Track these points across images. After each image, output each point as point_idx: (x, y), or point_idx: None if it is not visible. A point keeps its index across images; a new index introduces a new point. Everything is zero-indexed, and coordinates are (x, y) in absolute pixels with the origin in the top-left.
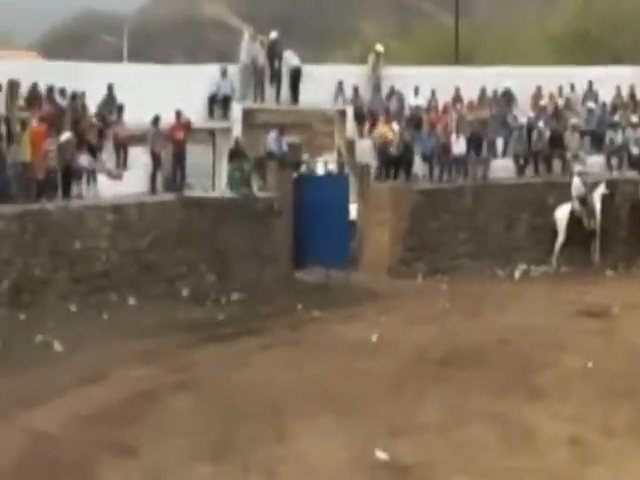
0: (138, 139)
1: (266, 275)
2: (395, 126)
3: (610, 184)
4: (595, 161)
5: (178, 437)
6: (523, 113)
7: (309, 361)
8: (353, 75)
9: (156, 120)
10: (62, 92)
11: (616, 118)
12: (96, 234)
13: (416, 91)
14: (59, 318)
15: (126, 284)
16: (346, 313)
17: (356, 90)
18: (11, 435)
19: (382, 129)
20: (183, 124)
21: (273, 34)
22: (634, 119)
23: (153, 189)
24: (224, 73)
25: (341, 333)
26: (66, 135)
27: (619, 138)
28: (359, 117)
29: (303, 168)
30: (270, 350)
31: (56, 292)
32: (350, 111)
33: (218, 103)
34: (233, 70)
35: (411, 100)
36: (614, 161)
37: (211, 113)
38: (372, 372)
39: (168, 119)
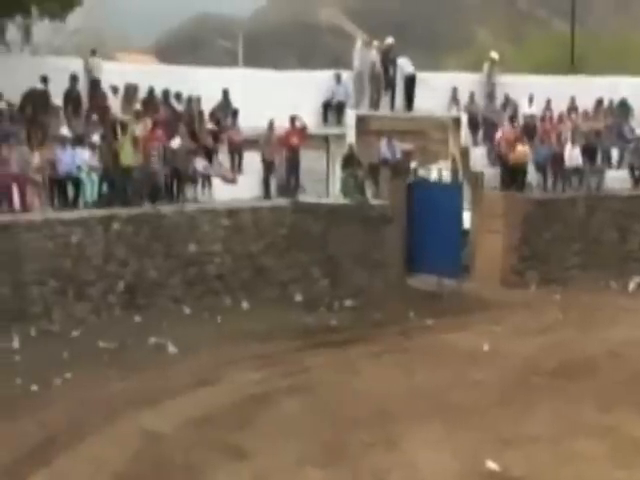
0: (252, 144)
1: (378, 282)
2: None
3: None
4: None
5: (289, 441)
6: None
7: (419, 369)
8: (467, 82)
9: (271, 125)
10: (178, 96)
11: None
12: (210, 238)
13: (530, 99)
14: (173, 320)
15: (239, 288)
16: (457, 322)
17: (472, 97)
18: (126, 436)
19: (521, 150)
20: (299, 129)
21: (388, 40)
22: None
23: (266, 194)
24: (338, 79)
25: (452, 342)
26: (177, 140)
27: None
28: (473, 124)
29: (416, 175)
30: (381, 357)
31: (170, 295)
32: (465, 118)
33: (332, 109)
34: (347, 76)
35: (525, 108)
36: None
37: (325, 119)
38: (482, 382)
39: (283, 124)
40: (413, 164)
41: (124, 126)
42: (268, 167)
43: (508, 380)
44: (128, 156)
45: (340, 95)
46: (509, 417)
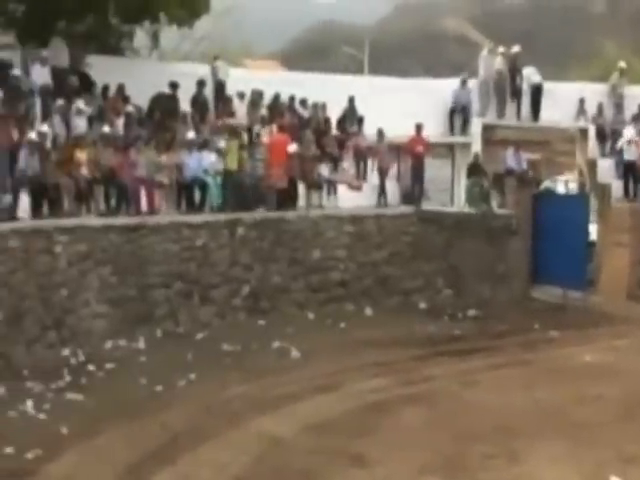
0: (376, 151)
1: (502, 293)
2: None
3: None
4: None
5: (408, 450)
6: None
7: (540, 383)
8: (594, 93)
9: (380, 133)
10: (303, 102)
11: None
12: (334, 244)
13: None
14: (296, 326)
15: (362, 295)
16: (581, 335)
17: (600, 108)
18: (246, 440)
19: None
20: (423, 137)
21: (515, 48)
22: None
23: (379, 202)
24: (464, 83)
25: (575, 356)
26: (294, 146)
27: None
28: (601, 136)
29: (542, 186)
30: (502, 369)
31: (293, 300)
32: (592, 130)
33: (458, 117)
34: (472, 84)
35: None
36: None
37: (450, 128)
38: (604, 397)
39: (407, 132)
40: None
41: (232, 130)
42: (382, 175)
43: (632, 396)
44: (234, 161)
45: (463, 100)
46: (633, 433)
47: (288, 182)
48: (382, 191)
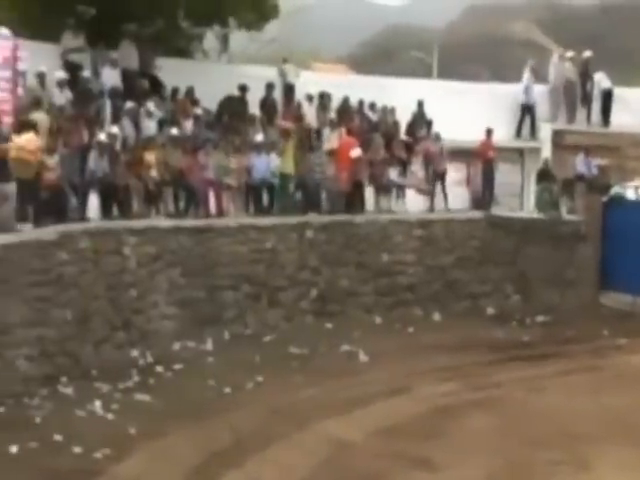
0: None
1: (570, 299)
2: None
3: None
4: None
5: (475, 455)
6: None
7: (608, 390)
8: None
9: (437, 136)
10: (372, 106)
11: None
12: (403, 248)
13: None
14: (364, 329)
15: (430, 299)
16: None
17: None
18: (314, 443)
19: None
20: (492, 142)
21: (586, 53)
22: None
23: (432, 207)
24: (528, 84)
25: None
26: (357, 150)
27: None
28: None
29: (612, 192)
30: (570, 375)
31: (361, 304)
32: None
33: (526, 123)
34: (540, 90)
35: None
36: None
37: (518, 133)
38: None
39: (476, 137)
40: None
41: (287, 133)
42: (437, 178)
43: None
44: (288, 164)
45: (529, 100)
46: None
47: (353, 186)
48: (434, 194)
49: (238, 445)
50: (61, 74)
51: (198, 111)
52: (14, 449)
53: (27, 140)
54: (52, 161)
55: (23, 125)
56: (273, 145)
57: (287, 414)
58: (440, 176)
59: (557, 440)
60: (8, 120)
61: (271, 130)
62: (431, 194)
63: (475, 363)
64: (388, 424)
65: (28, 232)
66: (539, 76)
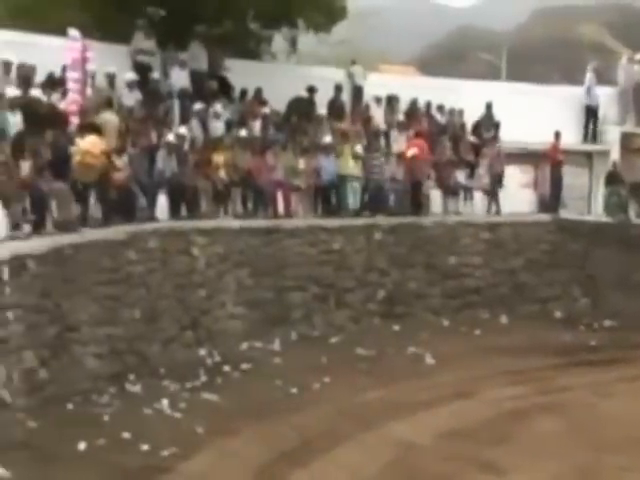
0: (514, 158)
1: (638, 303)
2: None
3: None
4: None
5: (542, 459)
6: None
7: None
8: None
9: (494, 137)
10: (440, 108)
11: None
12: (470, 251)
13: None
14: (431, 332)
15: (497, 302)
16: None
17: None
18: (380, 444)
19: None
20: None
21: None
22: None
23: (489, 209)
24: (588, 93)
25: None
26: (414, 149)
27: None
28: None
29: None
30: (637, 381)
31: (428, 306)
32: None
33: (594, 125)
34: (608, 92)
35: None
36: None
37: (586, 136)
38: None
39: (544, 139)
40: None
41: (344, 135)
42: (494, 180)
43: None
44: (347, 165)
45: (591, 101)
46: None
47: (413, 186)
48: (493, 197)
49: (304, 445)
50: (131, 75)
51: (266, 112)
52: (82, 446)
53: (92, 144)
54: (121, 161)
55: (88, 128)
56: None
57: (354, 415)
58: (497, 178)
59: (625, 445)
60: (75, 120)
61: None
62: (492, 195)
63: (543, 367)
64: (455, 427)
65: (96, 232)
66: (603, 78)
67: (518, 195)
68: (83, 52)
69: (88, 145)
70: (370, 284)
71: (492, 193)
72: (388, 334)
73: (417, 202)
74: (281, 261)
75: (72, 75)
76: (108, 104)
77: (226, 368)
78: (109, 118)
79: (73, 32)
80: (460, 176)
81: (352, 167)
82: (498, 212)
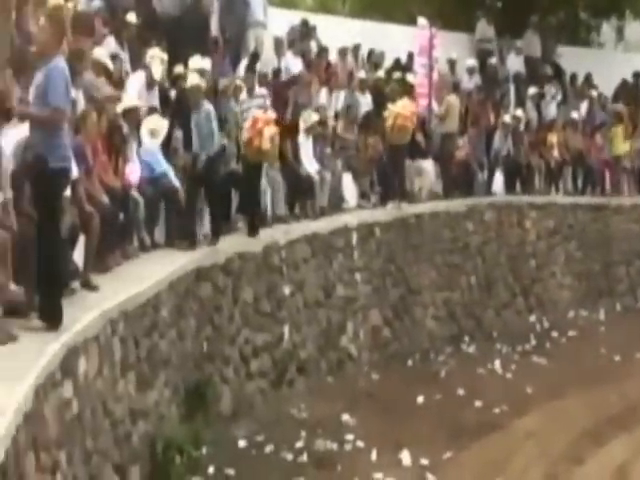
0: None
1: None
2: None
3: None
4: None
5: None
6: None
7: None
8: None
9: None
10: None
11: None
12: None
13: None
14: None
15: None
16: None
17: None
18: None
19: None
20: None
21: None
22: None
23: None
24: None
25: None
26: None
27: None
28: None
29: None
30: None
31: None
32: None
33: None
34: None
35: None
36: None
37: None
38: None
39: None
40: None
41: (619, 116)
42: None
43: None
44: (619, 146)
45: None
46: None
47: None
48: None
49: (628, 412)
50: (472, 61)
51: (593, 95)
52: (420, 399)
53: (403, 106)
54: (462, 140)
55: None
56: None
57: None
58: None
59: None
60: (424, 102)
61: None
62: None
63: None
64: None
65: (439, 204)
66: None
67: None
68: (431, 40)
69: (399, 108)
70: None
71: None
72: None
73: None
74: (608, 236)
75: (420, 60)
76: (455, 88)
77: (554, 334)
78: (453, 101)
79: (422, 21)
80: None
81: (622, 148)
82: None
